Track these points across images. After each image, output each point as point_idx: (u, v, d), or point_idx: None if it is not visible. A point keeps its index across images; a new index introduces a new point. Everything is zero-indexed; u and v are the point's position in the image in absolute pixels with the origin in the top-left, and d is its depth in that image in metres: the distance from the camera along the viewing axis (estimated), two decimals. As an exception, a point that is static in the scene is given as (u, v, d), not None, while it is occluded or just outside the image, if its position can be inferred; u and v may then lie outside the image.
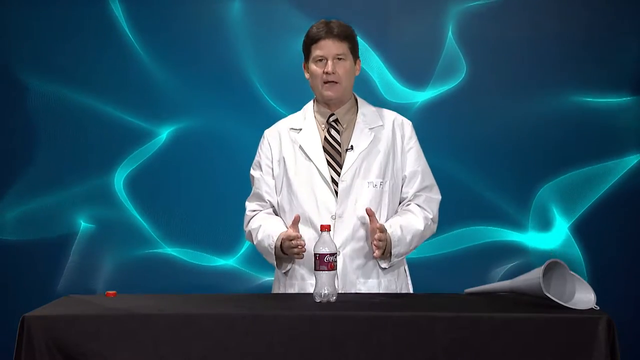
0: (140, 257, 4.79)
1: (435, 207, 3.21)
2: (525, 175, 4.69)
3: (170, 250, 4.79)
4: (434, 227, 3.22)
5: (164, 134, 4.79)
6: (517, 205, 4.70)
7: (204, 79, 4.77)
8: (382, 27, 4.74)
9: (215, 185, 4.77)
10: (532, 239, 4.70)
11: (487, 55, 4.72)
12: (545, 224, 4.70)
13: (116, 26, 4.77)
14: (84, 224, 4.78)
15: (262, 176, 3.23)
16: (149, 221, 4.78)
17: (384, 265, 3.12)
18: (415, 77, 4.74)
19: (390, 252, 3.08)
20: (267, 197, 3.22)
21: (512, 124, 4.70)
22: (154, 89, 4.78)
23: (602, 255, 4.67)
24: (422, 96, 4.74)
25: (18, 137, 4.78)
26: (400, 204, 3.22)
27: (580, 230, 4.69)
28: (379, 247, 3.03)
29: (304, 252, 3.03)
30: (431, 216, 3.18)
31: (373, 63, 4.71)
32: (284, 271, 3.18)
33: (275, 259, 3.13)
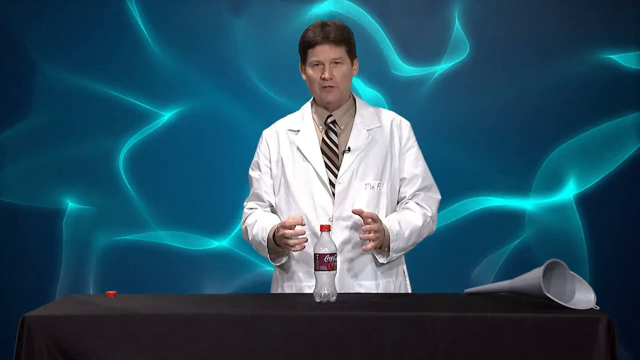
0: (133, 240, 4.82)
1: (434, 206, 3.19)
2: (529, 145, 4.72)
3: (164, 234, 4.80)
4: (433, 226, 3.20)
5: (166, 116, 4.81)
6: (522, 175, 4.72)
7: (208, 67, 4.82)
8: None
9: (211, 168, 4.81)
10: (535, 205, 4.70)
11: (490, 26, 4.74)
12: (552, 193, 4.71)
13: (128, 16, 4.82)
14: (71, 204, 4.81)
15: (261, 176, 3.22)
16: (143, 202, 4.80)
17: (381, 260, 3.11)
18: (422, 51, 4.77)
19: (389, 247, 3.07)
20: (266, 197, 3.21)
21: (517, 93, 4.73)
22: (159, 73, 4.83)
23: (605, 231, 4.69)
24: (429, 70, 4.75)
25: (20, 112, 4.83)
26: (398, 204, 3.21)
27: (585, 201, 4.71)
28: (371, 238, 2.97)
29: (302, 242, 2.98)
30: (430, 214, 3.16)
31: (379, 37, 4.74)
32: (278, 264, 3.16)
33: (269, 253, 3.11)
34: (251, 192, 3.26)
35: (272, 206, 3.21)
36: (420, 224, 3.12)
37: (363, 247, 3.02)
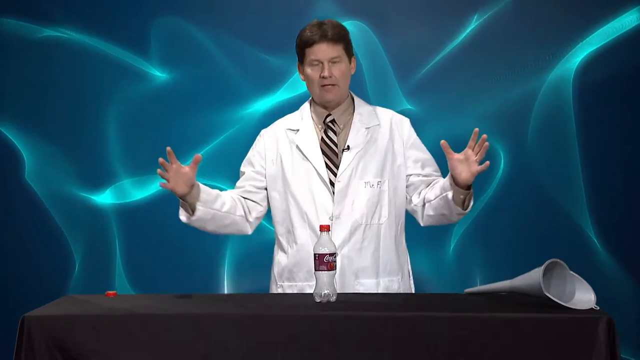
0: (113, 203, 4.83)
1: None
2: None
3: (128, 181, 4.80)
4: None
5: (164, 77, 4.81)
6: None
7: (211, 34, 4.80)
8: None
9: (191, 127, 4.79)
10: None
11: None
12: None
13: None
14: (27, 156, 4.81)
15: (251, 172, 3.23)
16: (120, 157, 4.81)
17: (460, 210, 3.02)
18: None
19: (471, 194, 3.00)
20: (248, 189, 3.21)
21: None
22: (162, 37, 4.83)
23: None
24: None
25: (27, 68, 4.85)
26: (428, 186, 3.16)
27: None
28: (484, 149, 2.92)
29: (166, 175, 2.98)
30: None
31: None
32: (186, 220, 3.11)
33: (181, 208, 3.09)
34: (236, 185, 3.25)
35: (247, 198, 3.21)
36: None
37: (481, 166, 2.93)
